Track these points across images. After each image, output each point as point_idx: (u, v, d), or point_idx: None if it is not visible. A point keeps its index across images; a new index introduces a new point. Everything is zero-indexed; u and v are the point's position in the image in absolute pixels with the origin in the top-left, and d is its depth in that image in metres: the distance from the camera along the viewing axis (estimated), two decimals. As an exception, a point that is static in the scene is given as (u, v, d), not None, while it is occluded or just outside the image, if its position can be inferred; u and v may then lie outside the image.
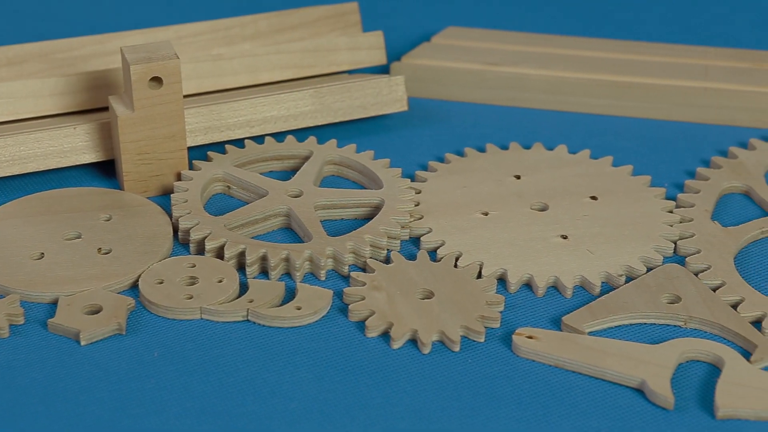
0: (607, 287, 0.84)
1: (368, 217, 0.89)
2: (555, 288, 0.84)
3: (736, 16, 1.15)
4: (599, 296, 0.83)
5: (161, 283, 0.82)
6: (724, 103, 0.98)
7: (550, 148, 0.96)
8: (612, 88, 0.99)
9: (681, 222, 0.88)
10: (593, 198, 0.90)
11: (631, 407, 0.76)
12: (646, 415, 0.75)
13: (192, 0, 1.18)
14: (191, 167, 0.93)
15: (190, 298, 0.81)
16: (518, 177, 0.92)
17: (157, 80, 0.87)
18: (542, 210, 0.89)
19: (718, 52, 1.03)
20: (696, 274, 0.84)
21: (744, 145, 0.97)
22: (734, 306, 0.81)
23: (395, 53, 1.07)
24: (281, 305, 0.82)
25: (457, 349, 0.79)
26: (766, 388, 0.76)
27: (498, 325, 0.81)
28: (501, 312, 0.82)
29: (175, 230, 0.86)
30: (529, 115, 1.02)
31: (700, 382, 0.77)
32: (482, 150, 0.96)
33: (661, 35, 1.11)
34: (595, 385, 0.77)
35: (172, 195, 0.89)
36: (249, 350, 0.79)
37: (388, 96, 0.98)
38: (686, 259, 0.85)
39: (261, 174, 0.93)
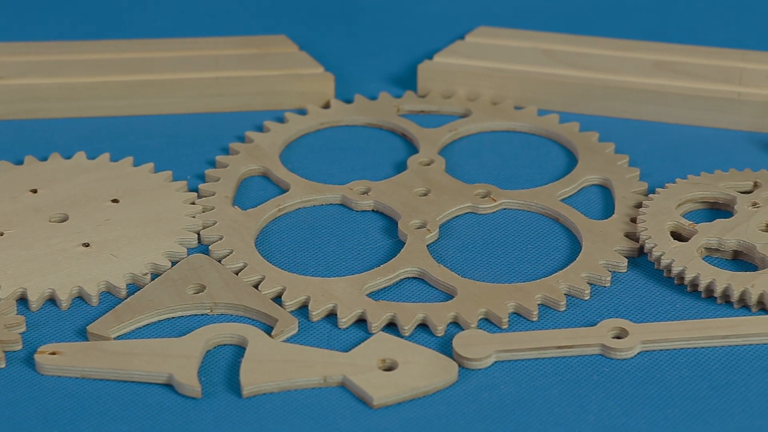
0: (135, 288, 0.80)
1: None
2: (81, 298, 0.79)
3: (242, 5, 1.12)
4: (127, 299, 0.80)
5: None
6: (236, 90, 0.96)
7: (68, 157, 0.90)
8: (127, 89, 0.95)
9: (203, 212, 0.85)
10: (115, 201, 0.85)
11: (162, 403, 0.72)
12: (177, 407, 0.71)
13: None
14: None
15: None
16: (35, 191, 0.85)
17: None
18: (62, 221, 0.83)
19: (227, 41, 1.00)
20: (219, 261, 0.81)
21: (260, 129, 0.95)
22: (256, 285, 0.79)
23: None
24: None
25: (-26, 381, 0.74)
26: (286, 360, 0.75)
27: (20, 347, 0.74)
28: (22, 333, 0.75)
29: None
30: (45, 126, 0.95)
31: (228, 365, 0.75)
32: (-5, 168, 0.91)
33: (169, 31, 1.06)
34: (125, 389, 0.72)
35: None
36: None
37: None
38: (210, 247, 0.82)
39: None
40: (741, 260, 0.80)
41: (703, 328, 0.74)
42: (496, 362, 0.74)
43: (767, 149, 0.91)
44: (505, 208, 0.86)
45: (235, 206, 0.86)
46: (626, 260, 0.80)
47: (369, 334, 0.76)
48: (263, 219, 0.85)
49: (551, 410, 0.71)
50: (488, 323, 0.77)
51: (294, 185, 0.88)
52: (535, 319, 0.77)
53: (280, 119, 0.96)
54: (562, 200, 0.87)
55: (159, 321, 0.77)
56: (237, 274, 0.80)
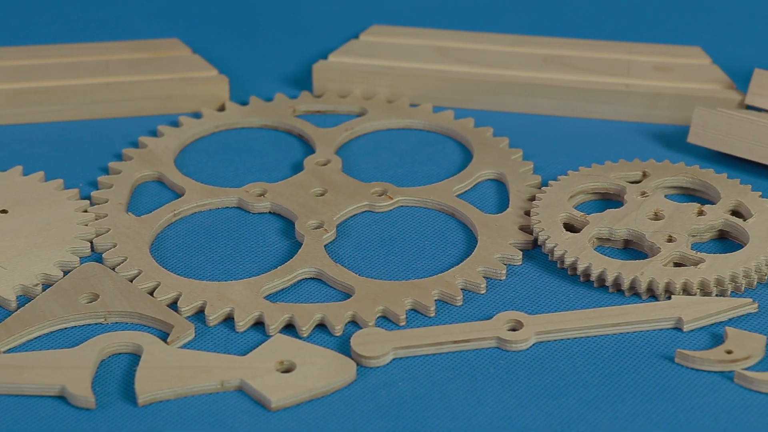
0: (26, 300, 0.78)
1: None
2: (-31, 312, 0.79)
3: (132, 8, 1.10)
4: (17, 311, 0.77)
5: None
6: (129, 95, 0.94)
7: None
8: (14, 96, 0.92)
9: (96, 219, 0.83)
10: (4, 211, 0.83)
11: (55, 416, 0.70)
12: (70, 419, 0.70)
13: None
14: None
15: None
16: None
17: None
18: (-51, 234, 0.83)
19: (117, 46, 0.99)
20: (113, 268, 0.80)
21: (154, 133, 0.94)
22: (151, 292, 0.78)
23: None
24: None
25: None
26: (182, 366, 0.74)
27: None
28: None
29: None
30: None
31: (123, 374, 0.73)
32: None
33: (57, 37, 1.03)
34: (16, 403, 0.70)
35: None
36: None
37: None
38: (103, 255, 0.81)
39: None
40: (632, 249, 0.81)
41: (595, 317, 0.75)
42: (394, 359, 0.74)
43: (655, 139, 0.93)
44: (401, 206, 0.86)
45: (129, 213, 0.84)
46: (521, 253, 0.80)
47: (267, 337, 0.76)
48: (158, 225, 0.84)
49: (448, 405, 0.71)
50: (386, 321, 0.77)
51: (189, 189, 0.87)
52: (432, 315, 0.77)
53: (175, 123, 0.95)
54: (458, 196, 0.87)
55: (51, 332, 0.75)
56: (131, 281, 0.79)
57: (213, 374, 0.73)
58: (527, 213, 0.84)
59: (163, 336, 0.76)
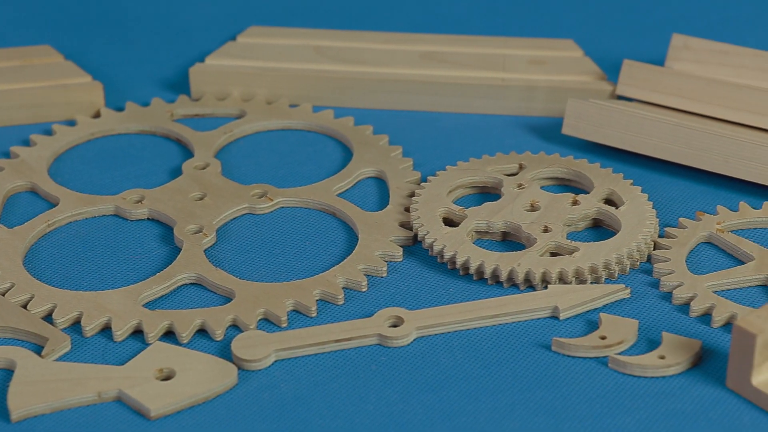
0: None
1: None
2: None
3: (0, 15, 1.08)
4: None
5: None
6: (-1, 104, 0.96)
7: None
8: None
9: (-36, 233, 0.84)
10: None
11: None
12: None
13: None
14: None
15: None
16: None
17: None
18: None
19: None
20: (-15, 282, 0.80)
21: (26, 143, 0.92)
22: (24, 305, 0.76)
23: None
24: None
25: None
26: (58, 379, 0.72)
27: None
28: None
29: None
30: None
31: (-4, 390, 0.74)
32: None
33: None
34: None
35: None
36: None
37: None
38: (-26, 269, 0.81)
39: None
40: (510, 240, 0.82)
41: (474, 310, 0.76)
42: (276, 361, 0.74)
43: (532, 132, 0.94)
44: (282, 207, 0.86)
45: (1, 225, 0.82)
46: (401, 249, 0.80)
47: (147, 345, 0.74)
48: (31, 236, 0.82)
49: (330, 404, 0.71)
50: (268, 323, 0.76)
51: (64, 199, 0.85)
52: (314, 315, 0.76)
53: (48, 132, 0.93)
54: (339, 195, 0.87)
55: None
56: (3, 295, 0.76)
57: (90, 386, 0.71)
58: (407, 209, 0.84)
59: (38, 350, 0.74)
